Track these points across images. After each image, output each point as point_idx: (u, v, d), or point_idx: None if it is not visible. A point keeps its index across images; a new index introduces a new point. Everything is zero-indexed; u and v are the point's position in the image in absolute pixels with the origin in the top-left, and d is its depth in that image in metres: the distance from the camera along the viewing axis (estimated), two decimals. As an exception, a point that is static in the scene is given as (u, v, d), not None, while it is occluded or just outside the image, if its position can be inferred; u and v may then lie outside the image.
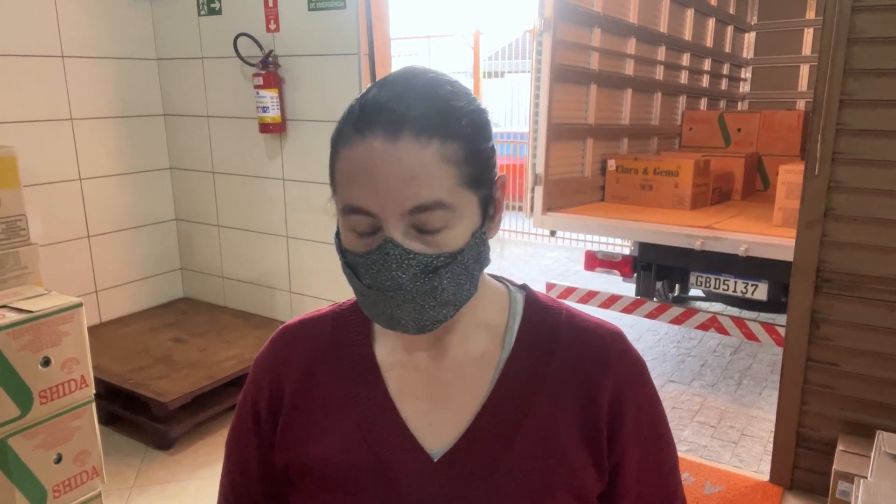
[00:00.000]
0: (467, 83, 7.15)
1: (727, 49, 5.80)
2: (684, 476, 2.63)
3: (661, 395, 3.78)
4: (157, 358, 3.01)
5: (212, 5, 3.23)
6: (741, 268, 3.29)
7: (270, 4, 3.02)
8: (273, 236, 3.35)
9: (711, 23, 5.35)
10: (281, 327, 0.85)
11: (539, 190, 3.58)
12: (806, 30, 5.84)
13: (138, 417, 2.79)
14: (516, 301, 0.80)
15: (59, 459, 1.97)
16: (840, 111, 2.23)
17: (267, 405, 0.81)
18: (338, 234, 0.70)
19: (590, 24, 3.80)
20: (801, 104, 5.81)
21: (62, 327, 1.92)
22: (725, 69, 5.85)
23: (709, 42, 5.37)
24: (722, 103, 5.83)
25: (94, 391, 2.06)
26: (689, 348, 4.12)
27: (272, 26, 3.04)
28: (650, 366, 3.92)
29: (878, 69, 2.17)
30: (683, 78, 5.04)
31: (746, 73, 6.31)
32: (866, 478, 1.95)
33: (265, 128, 3.08)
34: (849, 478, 2.14)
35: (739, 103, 6.28)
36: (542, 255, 6.79)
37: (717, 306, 4.26)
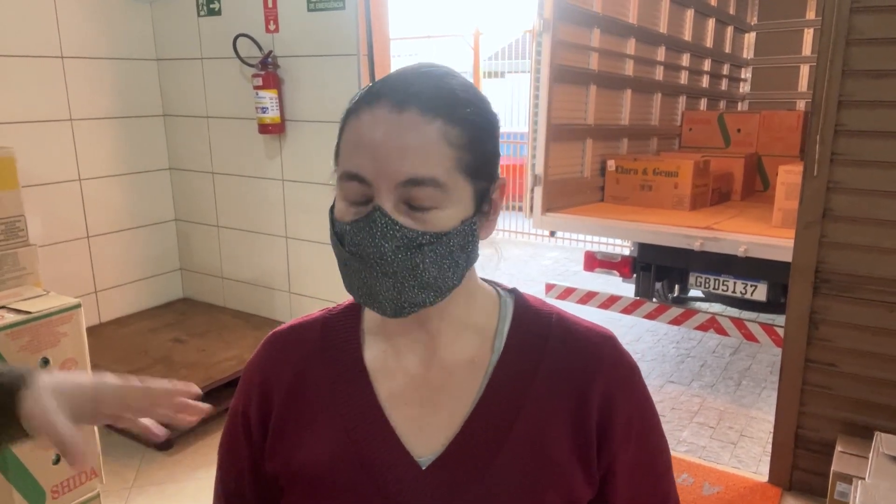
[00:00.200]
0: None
1: (727, 49, 5.80)
2: (683, 477, 2.63)
3: (661, 395, 3.77)
4: (157, 358, 3.01)
5: (211, 6, 3.23)
6: (740, 268, 3.29)
7: (270, 5, 3.02)
8: (272, 237, 3.35)
9: (711, 23, 5.35)
10: (270, 333, 0.85)
11: (538, 190, 3.58)
12: (806, 30, 5.84)
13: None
14: (506, 305, 0.80)
15: (57, 460, 1.97)
16: (839, 112, 2.23)
17: (257, 412, 0.80)
18: (333, 207, 0.71)
19: (589, 25, 3.80)
20: (800, 104, 5.81)
21: (61, 328, 1.92)
22: (725, 69, 5.85)
23: (708, 42, 5.36)
24: (722, 104, 5.83)
25: (92, 392, 2.06)
26: (689, 349, 4.12)
27: (271, 27, 3.04)
28: (650, 366, 3.93)
29: (877, 70, 2.17)
30: (683, 78, 5.04)
31: (746, 74, 6.31)
32: (864, 479, 1.95)
33: (264, 128, 3.08)
34: (847, 479, 2.14)
35: (739, 104, 6.27)
36: (541, 255, 6.79)
37: (716, 307, 4.26)
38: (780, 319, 2.98)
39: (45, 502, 1.95)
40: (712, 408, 3.34)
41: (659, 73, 4.62)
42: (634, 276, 3.81)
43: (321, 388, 0.77)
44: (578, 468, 0.74)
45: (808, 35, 5.82)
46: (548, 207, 3.62)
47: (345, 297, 0.83)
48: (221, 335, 3.26)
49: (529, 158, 3.60)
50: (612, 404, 0.74)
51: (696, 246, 3.14)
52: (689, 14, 4.94)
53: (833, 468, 2.21)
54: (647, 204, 3.79)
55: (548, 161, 3.55)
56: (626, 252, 4.01)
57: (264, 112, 3.03)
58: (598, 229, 3.80)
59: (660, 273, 3.76)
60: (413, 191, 0.65)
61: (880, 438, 2.14)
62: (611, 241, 6.01)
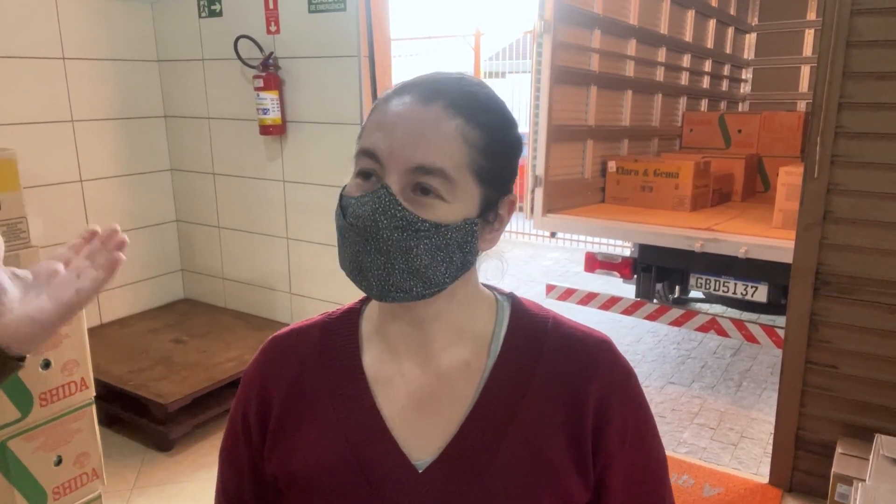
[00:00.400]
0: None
1: (728, 50, 5.80)
2: (684, 478, 2.63)
3: (661, 396, 3.76)
4: (157, 359, 3.01)
5: (212, 7, 3.23)
6: (741, 270, 3.29)
7: (271, 6, 3.02)
8: (273, 238, 3.36)
9: (712, 24, 5.35)
10: (270, 338, 0.85)
11: (539, 191, 3.58)
12: (807, 31, 5.84)
13: (138, 419, 2.80)
14: (503, 309, 0.80)
15: (59, 461, 1.97)
16: (839, 114, 2.24)
17: (256, 416, 0.81)
18: (345, 187, 0.74)
19: (590, 26, 3.80)
20: (801, 105, 5.81)
21: (61, 329, 1.92)
22: (726, 70, 5.84)
23: (709, 43, 5.36)
24: (722, 104, 5.83)
25: (93, 393, 2.07)
26: (689, 350, 4.12)
27: (272, 28, 3.04)
28: (650, 367, 3.92)
29: (877, 72, 2.17)
30: (684, 79, 5.04)
31: (747, 75, 6.31)
32: (865, 481, 1.95)
33: (265, 129, 3.08)
34: (847, 481, 2.14)
35: (740, 104, 6.27)
36: (542, 256, 6.80)
37: (716, 308, 4.25)
38: (780, 321, 2.98)
39: (47, 503, 1.95)
40: (713, 409, 3.34)
41: (660, 74, 4.62)
42: (635, 277, 3.81)
43: (320, 392, 0.78)
44: (574, 471, 0.74)
45: (809, 36, 5.82)
46: (548, 208, 3.62)
47: (345, 298, 0.84)
48: (222, 336, 3.27)
49: (530, 159, 3.60)
50: (607, 408, 0.75)
51: (696, 247, 3.15)
52: (690, 15, 4.94)
53: (833, 470, 2.21)
54: (648, 205, 3.79)
55: (548, 162, 3.55)
56: (627, 253, 4.01)
57: (265, 113, 3.04)
58: (598, 230, 3.80)
59: (660, 274, 3.76)
60: (421, 178, 0.67)
61: (881, 440, 2.14)
62: (611, 242, 6.01)
